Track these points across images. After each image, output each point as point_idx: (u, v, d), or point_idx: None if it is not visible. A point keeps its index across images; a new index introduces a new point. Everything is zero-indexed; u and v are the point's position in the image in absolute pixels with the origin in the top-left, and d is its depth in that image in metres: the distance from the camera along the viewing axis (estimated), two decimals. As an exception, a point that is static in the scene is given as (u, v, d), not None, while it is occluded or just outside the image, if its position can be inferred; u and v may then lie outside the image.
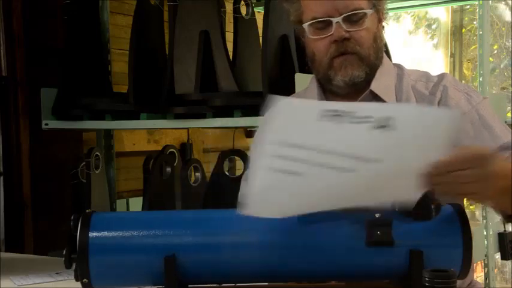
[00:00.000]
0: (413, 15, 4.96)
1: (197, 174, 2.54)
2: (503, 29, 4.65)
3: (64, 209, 2.79)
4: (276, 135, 1.05)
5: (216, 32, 2.42)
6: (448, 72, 4.49)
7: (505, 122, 2.09)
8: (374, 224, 1.05)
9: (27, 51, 2.92)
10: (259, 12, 2.83)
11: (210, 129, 3.44)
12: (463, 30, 4.83)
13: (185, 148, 3.37)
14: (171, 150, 2.79)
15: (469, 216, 1.12)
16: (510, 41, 4.62)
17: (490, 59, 2.81)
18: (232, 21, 2.62)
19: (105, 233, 1.09)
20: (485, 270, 2.46)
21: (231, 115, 2.26)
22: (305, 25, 1.39)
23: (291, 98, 1.47)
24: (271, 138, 1.05)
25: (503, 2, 4.58)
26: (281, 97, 1.10)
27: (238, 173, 2.45)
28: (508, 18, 4.63)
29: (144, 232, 1.09)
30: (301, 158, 1.01)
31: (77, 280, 1.09)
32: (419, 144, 1.00)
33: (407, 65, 1.52)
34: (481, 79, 2.33)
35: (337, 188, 1.01)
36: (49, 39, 2.90)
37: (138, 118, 2.43)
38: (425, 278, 0.90)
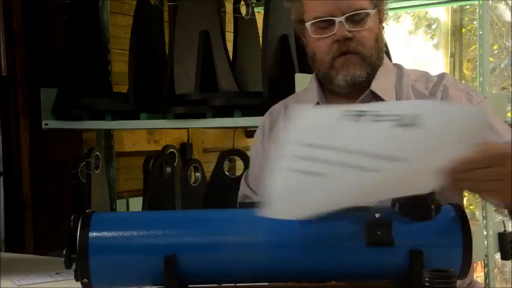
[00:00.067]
0: (413, 15, 4.96)
1: (197, 174, 2.54)
2: (503, 29, 4.64)
3: (64, 209, 2.79)
4: (296, 136, 1.05)
5: (216, 32, 2.42)
6: (448, 72, 4.48)
7: (505, 121, 2.09)
8: (374, 224, 1.05)
9: (27, 51, 2.92)
10: (259, 12, 2.83)
11: (210, 129, 3.44)
12: (463, 30, 4.83)
13: (185, 148, 3.37)
14: (171, 150, 2.79)
15: (469, 216, 1.12)
16: (510, 41, 4.61)
17: (490, 59, 2.81)
18: (232, 21, 2.62)
19: (105, 233, 1.09)
20: (485, 270, 2.45)
21: (231, 115, 2.26)
22: (307, 24, 1.39)
23: (315, 106, 1.45)
24: (291, 139, 1.05)
25: (503, 2, 4.58)
26: (306, 106, 1.08)
27: (238, 173, 2.45)
28: (508, 18, 4.62)
29: (144, 232, 1.09)
30: (321, 158, 1.01)
31: (77, 280, 1.09)
32: (446, 142, 1.00)
33: (407, 65, 1.52)
34: (481, 79, 2.32)
35: (358, 187, 1.01)
36: (49, 39, 2.90)
37: (138, 118, 2.43)
38: (425, 278, 0.89)
